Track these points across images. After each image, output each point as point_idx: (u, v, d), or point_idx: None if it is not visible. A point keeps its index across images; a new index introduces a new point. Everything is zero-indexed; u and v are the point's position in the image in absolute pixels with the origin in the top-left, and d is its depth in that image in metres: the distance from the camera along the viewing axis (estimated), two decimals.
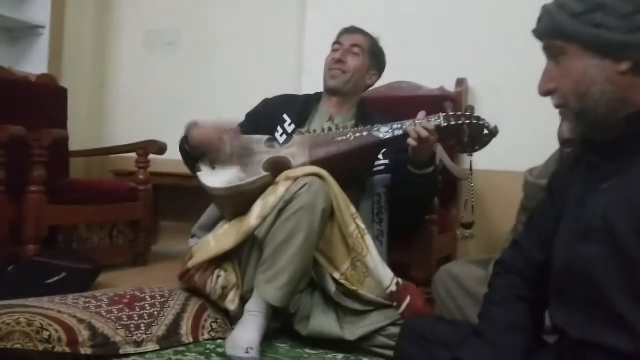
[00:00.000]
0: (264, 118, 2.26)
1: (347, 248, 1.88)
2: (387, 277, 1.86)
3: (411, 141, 1.91)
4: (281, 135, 2.17)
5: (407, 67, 3.00)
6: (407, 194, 2.07)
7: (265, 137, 2.10)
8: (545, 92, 1.08)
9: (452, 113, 1.94)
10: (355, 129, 2.01)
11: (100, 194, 3.03)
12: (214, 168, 2.03)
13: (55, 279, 2.35)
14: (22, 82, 3.24)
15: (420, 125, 1.89)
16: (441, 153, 2.23)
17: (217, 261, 1.94)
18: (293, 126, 2.20)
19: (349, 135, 1.98)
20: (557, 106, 1.07)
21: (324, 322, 1.87)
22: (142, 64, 4.16)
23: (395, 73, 2.98)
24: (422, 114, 1.94)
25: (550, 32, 1.05)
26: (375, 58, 2.30)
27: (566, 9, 1.02)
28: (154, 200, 3.40)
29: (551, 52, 1.06)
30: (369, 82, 2.32)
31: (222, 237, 1.95)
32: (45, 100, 3.26)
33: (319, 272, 1.91)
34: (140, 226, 3.21)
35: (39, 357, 1.58)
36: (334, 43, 2.30)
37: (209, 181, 1.98)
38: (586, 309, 0.99)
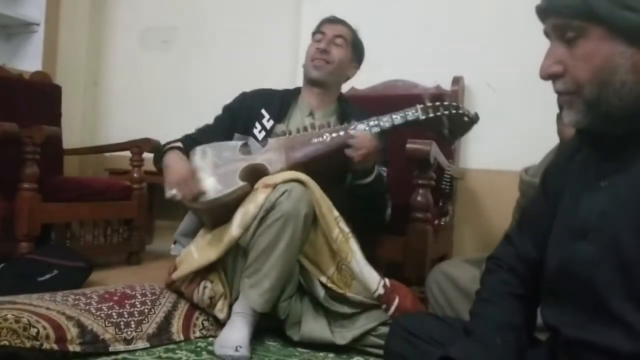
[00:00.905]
0: (241, 112, 2.19)
1: (332, 253, 1.85)
2: (374, 280, 1.82)
3: (349, 152, 1.88)
4: (260, 132, 2.11)
5: (403, 65, 3.00)
6: (353, 203, 2.01)
7: (239, 142, 2.04)
8: (549, 75, 0.98)
9: (430, 104, 1.90)
10: (331, 127, 1.97)
11: (94, 192, 3.01)
12: None
13: (47, 276, 2.35)
14: (16, 79, 3.23)
15: (361, 134, 1.88)
16: (436, 151, 2.21)
17: (202, 272, 1.92)
18: (272, 122, 2.13)
19: (325, 136, 1.94)
20: (563, 92, 0.98)
21: (315, 327, 1.85)
22: (136, 62, 4.15)
23: (392, 71, 2.98)
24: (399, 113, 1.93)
25: (573, 10, 0.93)
26: (357, 50, 2.26)
27: None
28: (148, 199, 3.39)
29: (564, 33, 0.95)
30: (350, 74, 2.28)
31: (204, 249, 1.92)
32: (39, 98, 3.24)
33: (307, 278, 1.89)
34: (134, 225, 3.20)
35: (27, 354, 1.56)
36: (315, 33, 2.24)
37: None
38: (581, 309, 0.97)
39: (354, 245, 1.83)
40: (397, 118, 1.92)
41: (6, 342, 1.48)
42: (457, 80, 2.92)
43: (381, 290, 1.81)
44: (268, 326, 1.92)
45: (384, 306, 1.82)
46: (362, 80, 2.99)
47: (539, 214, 1.14)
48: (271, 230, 1.75)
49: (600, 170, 0.99)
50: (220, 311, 1.90)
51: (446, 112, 1.88)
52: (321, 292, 1.85)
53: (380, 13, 3.13)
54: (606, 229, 0.94)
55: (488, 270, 1.22)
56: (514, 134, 2.84)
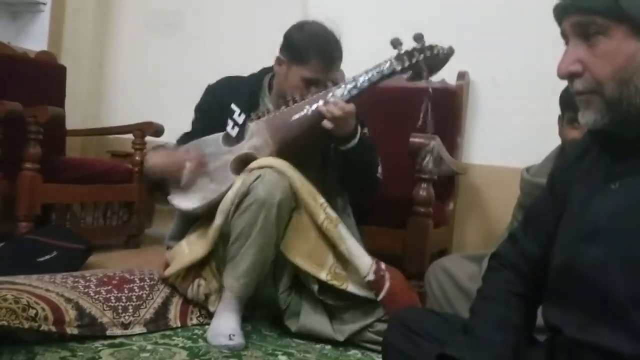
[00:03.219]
0: (212, 109, 2.08)
1: (326, 239, 1.81)
2: (364, 265, 1.78)
3: (327, 123, 1.81)
4: (232, 128, 2.00)
5: None
6: (344, 169, 1.95)
7: (220, 134, 1.99)
8: (568, 74, 0.96)
9: (404, 51, 1.82)
10: (310, 98, 1.88)
11: (95, 174, 3.01)
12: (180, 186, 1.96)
13: (47, 257, 2.35)
14: (21, 58, 3.22)
15: (333, 104, 1.80)
16: (439, 146, 2.21)
17: (195, 268, 1.90)
18: (243, 115, 2.00)
19: (305, 109, 1.87)
20: (582, 91, 0.96)
21: (314, 320, 1.83)
22: (142, 45, 4.13)
23: None
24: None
25: (599, 7, 0.91)
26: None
27: None
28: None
29: (586, 30, 0.93)
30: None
31: (194, 243, 1.91)
32: (43, 78, 3.23)
33: (303, 274, 1.85)
34: (134, 208, 3.20)
35: (25, 334, 1.56)
36: (308, 73, 1.96)
37: (183, 204, 1.95)
38: (585, 309, 0.96)
39: (342, 231, 1.80)
40: (374, 74, 1.84)
41: (5, 322, 1.49)
42: (462, 75, 2.91)
43: (371, 277, 1.77)
44: (266, 315, 1.92)
45: (374, 292, 1.79)
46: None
47: (545, 214, 1.14)
48: (245, 215, 1.75)
49: (611, 172, 0.98)
50: (212, 304, 1.89)
51: (422, 56, 1.81)
52: (315, 287, 1.82)
53: (387, 5, 3.11)
54: (615, 231, 0.93)
55: (490, 267, 1.21)
56: (517, 130, 2.83)
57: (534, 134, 2.57)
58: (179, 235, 2.05)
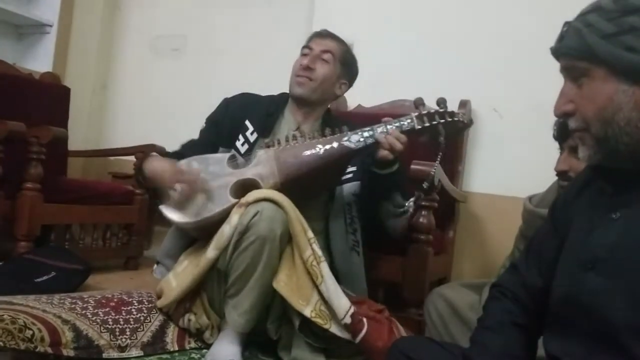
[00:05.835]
0: (225, 122, 2.11)
1: (309, 275, 1.76)
2: (342, 308, 1.73)
3: (384, 153, 1.83)
4: (242, 144, 2.03)
5: (411, 85, 3.00)
6: (375, 196, 1.97)
7: (227, 155, 1.97)
8: (562, 114, 1.01)
9: (425, 112, 1.85)
10: (324, 138, 1.89)
11: (96, 195, 3.01)
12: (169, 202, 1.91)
13: (45, 277, 2.34)
14: (26, 79, 3.24)
15: (393, 136, 1.83)
16: (440, 174, 2.21)
17: (185, 302, 1.87)
18: (255, 135, 2.04)
19: (318, 148, 1.86)
20: (574, 129, 1.00)
21: (306, 354, 1.80)
22: (146, 68, 4.16)
23: (399, 91, 2.98)
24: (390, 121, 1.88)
25: (576, 52, 0.97)
26: (347, 67, 2.14)
27: (595, 28, 0.94)
28: (149, 205, 3.38)
29: (573, 73, 0.99)
30: (338, 92, 2.17)
31: (182, 276, 1.87)
32: (47, 99, 3.25)
33: (288, 307, 1.80)
34: (134, 230, 3.19)
35: (21, 355, 1.55)
36: (304, 47, 2.14)
37: (175, 216, 1.88)
38: (586, 340, 0.96)
39: (324, 270, 1.75)
40: (392, 128, 1.86)
41: (1, 343, 1.48)
42: (464, 104, 2.92)
43: (348, 320, 1.72)
44: (262, 342, 1.91)
45: (349, 335, 1.74)
46: (369, 98, 3.02)
47: (547, 245, 1.15)
48: (247, 253, 1.71)
49: (613, 203, 1.00)
50: (208, 339, 1.87)
51: (442, 121, 1.85)
52: (297, 322, 1.78)
53: (391, 34, 3.14)
54: (616, 261, 0.94)
55: (492, 297, 1.21)
56: (518, 160, 2.84)
57: (534, 165, 2.57)
58: (173, 253, 2.03)
